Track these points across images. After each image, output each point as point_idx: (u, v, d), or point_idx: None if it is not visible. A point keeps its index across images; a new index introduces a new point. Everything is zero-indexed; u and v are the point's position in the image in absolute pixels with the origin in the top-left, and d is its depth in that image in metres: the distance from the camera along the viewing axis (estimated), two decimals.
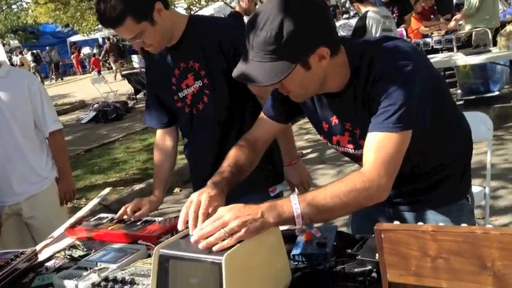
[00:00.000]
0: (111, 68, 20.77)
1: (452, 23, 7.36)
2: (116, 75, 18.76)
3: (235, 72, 1.27)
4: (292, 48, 1.18)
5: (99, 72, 20.28)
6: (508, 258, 0.92)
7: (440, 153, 1.48)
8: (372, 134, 1.26)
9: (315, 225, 1.47)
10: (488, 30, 6.52)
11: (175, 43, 1.91)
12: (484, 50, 5.57)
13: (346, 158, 1.60)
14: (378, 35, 5.08)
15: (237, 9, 5.54)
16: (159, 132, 2.13)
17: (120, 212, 1.88)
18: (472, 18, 6.77)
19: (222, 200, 1.38)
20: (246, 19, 5.90)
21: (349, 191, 1.21)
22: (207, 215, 1.28)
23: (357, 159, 1.45)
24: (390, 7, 6.18)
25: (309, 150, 5.81)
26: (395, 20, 6.06)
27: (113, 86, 12.52)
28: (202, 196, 1.34)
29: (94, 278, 1.41)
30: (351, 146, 1.45)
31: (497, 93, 6.44)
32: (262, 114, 1.62)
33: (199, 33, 1.89)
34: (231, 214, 1.18)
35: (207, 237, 1.16)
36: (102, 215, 1.99)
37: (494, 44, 5.99)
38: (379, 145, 1.24)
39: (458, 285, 0.99)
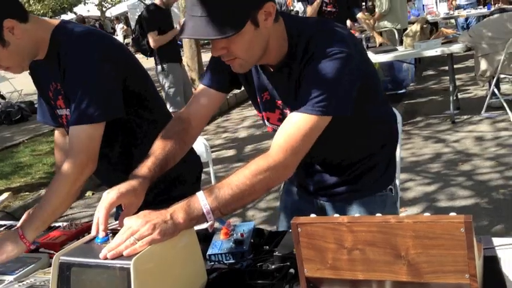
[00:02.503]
0: None
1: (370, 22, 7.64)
2: None
3: (185, 33, 1.19)
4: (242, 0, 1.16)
5: None
6: (421, 246, 0.93)
7: (369, 139, 1.49)
8: (292, 115, 1.24)
9: (233, 222, 1.43)
10: (395, 31, 6.86)
11: (42, 58, 1.61)
12: (391, 49, 5.84)
13: None
14: None
15: (157, 1, 5.29)
16: (57, 130, 1.96)
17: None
18: (382, 19, 7.07)
19: (136, 196, 1.27)
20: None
21: (254, 174, 1.19)
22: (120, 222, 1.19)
23: None
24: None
25: (226, 148, 5.78)
26: (335, 15, 6.03)
27: (17, 84, 11.71)
28: (111, 193, 1.24)
29: None
30: (280, 123, 1.41)
31: (404, 90, 6.81)
32: (201, 87, 1.51)
33: (57, 51, 1.56)
34: (139, 221, 1.11)
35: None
36: (0, 222, 1.81)
37: (402, 43, 6.31)
38: (295, 125, 1.22)
39: (373, 276, 0.98)
